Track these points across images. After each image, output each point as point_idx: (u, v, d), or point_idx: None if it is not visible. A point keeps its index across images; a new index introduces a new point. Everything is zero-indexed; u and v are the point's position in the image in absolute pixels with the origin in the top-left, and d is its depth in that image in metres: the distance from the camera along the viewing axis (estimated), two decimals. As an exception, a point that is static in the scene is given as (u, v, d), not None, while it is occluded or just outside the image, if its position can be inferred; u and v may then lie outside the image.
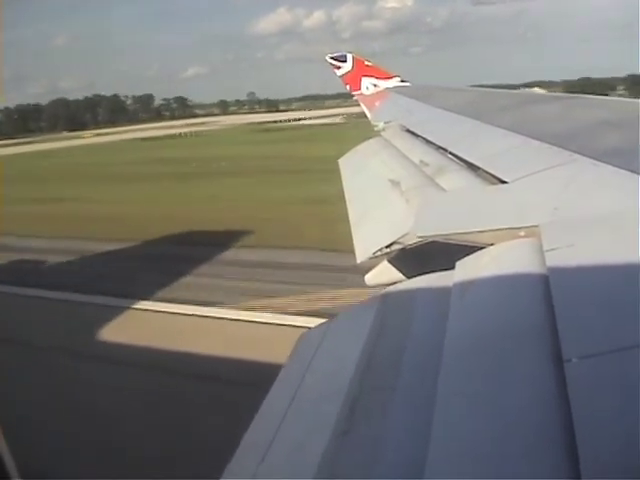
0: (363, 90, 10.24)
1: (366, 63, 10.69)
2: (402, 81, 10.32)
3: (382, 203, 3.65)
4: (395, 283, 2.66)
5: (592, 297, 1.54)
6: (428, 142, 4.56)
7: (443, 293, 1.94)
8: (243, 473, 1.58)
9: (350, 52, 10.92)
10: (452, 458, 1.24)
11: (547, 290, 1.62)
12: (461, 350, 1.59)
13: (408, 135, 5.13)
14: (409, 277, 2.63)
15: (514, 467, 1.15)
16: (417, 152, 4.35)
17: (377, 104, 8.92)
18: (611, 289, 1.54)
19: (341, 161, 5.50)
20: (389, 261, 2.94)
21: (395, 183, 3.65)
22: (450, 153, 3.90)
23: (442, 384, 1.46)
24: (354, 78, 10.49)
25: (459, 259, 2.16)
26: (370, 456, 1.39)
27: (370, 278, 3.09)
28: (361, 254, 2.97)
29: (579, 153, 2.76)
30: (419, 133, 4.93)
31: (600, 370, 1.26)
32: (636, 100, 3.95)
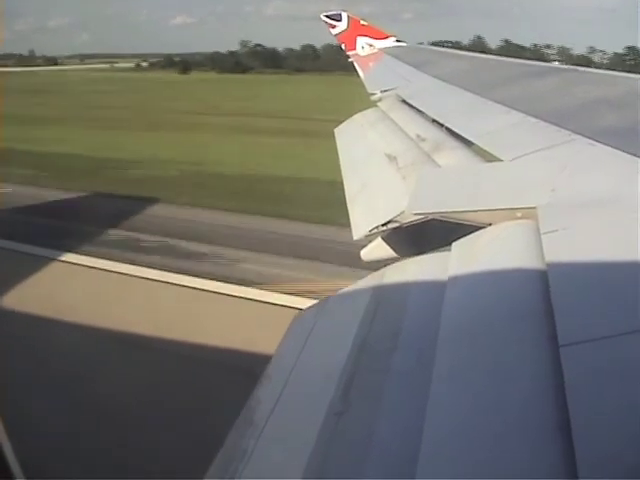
0: (358, 50, 10.02)
1: (361, 22, 10.43)
2: (398, 41, 10.09)
3: (378, 179, 3.62)
4: (391, 259, 2.68)
5: (589, 281, 1.53)
6: (425, 115, 4.48)
7: (439, 274, 1.93)
8: (236, 454, 1.55)
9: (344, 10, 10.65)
10: (447, 442, 1.26)
11: (544, 274, 1.61)
12: (456, 332, 1.60)
13: (405, 107, 5.03)
14: (405, 254, 2.64)
15: (509, 449, 1.16)
16: (414, 125, 4.29)
17: (372, 66, 8.74)
18: (608, 273, 1.54)
19: (337, 131, 5.38)
20: (383, 238, 2.94)
21: (392, 158, 3.62)
22: (447, 129, 3.86)
23: (437, 367, 1.46)
24: (349, 37, 10.25)
25: (455, 237, 2.16)
26: (364, 437, 1.39)
27: (366, 253, 3.10)
28: (358, 231, 2.97)
29: (578, 133, 2.75)
30: (416, 105, 4.84)
31: (596, 355, 1.26)
32: (638, 76, 3.89)
